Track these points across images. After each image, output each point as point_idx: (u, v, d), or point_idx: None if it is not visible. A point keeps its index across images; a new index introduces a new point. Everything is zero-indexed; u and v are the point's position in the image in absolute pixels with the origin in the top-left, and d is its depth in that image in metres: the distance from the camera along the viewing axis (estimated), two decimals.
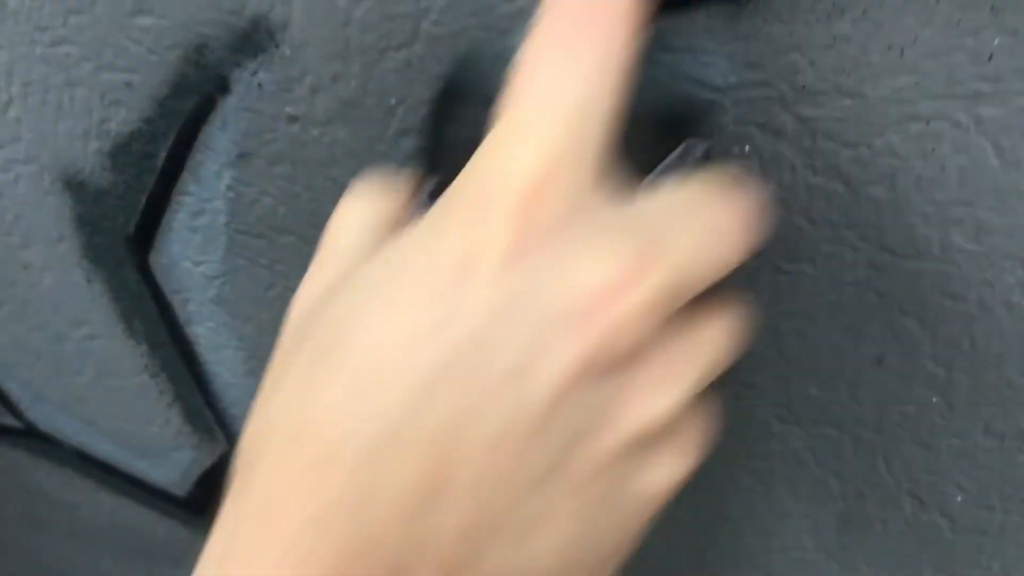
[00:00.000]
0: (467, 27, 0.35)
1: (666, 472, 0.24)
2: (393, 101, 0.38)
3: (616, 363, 0.22)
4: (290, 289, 0.44)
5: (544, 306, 0.21)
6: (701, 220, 0.24)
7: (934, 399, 0.38)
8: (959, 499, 0.41)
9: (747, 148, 0.35)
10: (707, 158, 0.28)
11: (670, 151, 0.29)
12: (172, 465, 0.61)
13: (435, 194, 0.25)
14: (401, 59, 0.37)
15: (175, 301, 0.50)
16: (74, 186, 0.47)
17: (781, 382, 0.40)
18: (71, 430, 0.62)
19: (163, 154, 0.44)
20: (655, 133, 0.30)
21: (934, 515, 0.42)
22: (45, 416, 0.62)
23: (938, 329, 0.36)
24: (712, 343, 0.25)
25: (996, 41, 0.29)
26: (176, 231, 0.47)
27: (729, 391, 0.39)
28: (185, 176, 0.44)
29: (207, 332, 0.51)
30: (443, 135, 0.29)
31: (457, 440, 0.21)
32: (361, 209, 0.29)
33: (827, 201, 0.34)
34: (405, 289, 0.22)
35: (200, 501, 0.62)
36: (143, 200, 0.46)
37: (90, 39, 0.41)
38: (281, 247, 0.45)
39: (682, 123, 0.33)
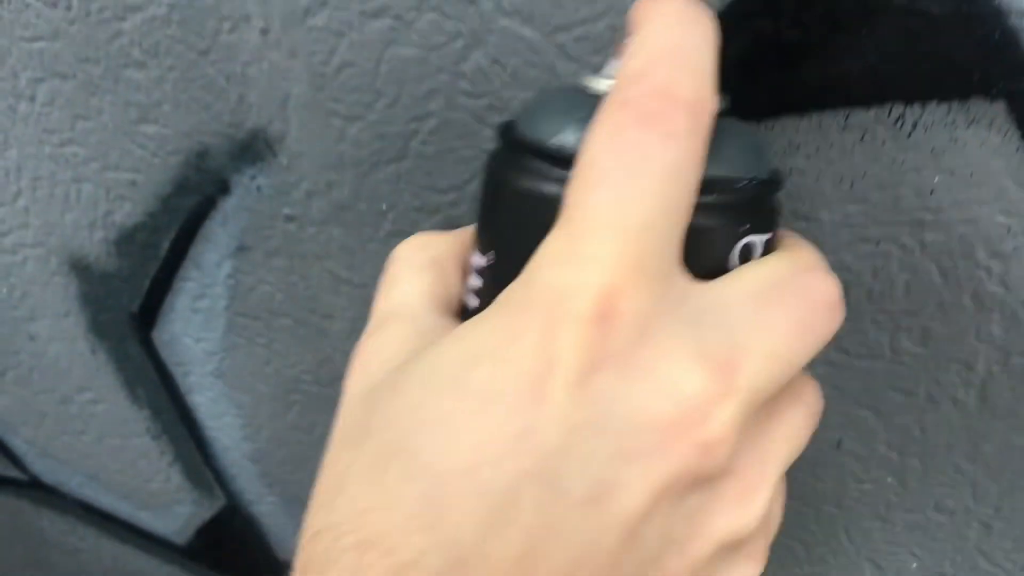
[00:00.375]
0: (454, 147, 0.38)
1: (745, 573, 0.23)
2: (384, 207, 0.41)
3: (706, 479, 0.20)
4: (287, 365, 0.47)
5: (625, 421, 0.19)
6: (786, 306, 0.22)
7: (889, 479, 0.41)
8: (914, 566, 0.44)
9: None
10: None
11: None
12: (173, 517, 0.63)
13: (491, 270, 0.25)
14: (391, 171, 0.40)
15: (176, 373, 0.53)
16: (80, 269, 0.49)
17: None
18: (75, 483, 0.65)
19: (166, 244, 0.46)
20: None
21: None
22: (49, 470, 0.64)
23: (891, 419, 0.39)
24: (794, 433, 0.24)
25: (936, 179, 0.32)
26: (178, 311, 0.49)
27: None
28: (187, 264, 0.47)
29: (207, 401, 0.54)
30: (495, 195, 0.27)
31: (535, 563, 0.19)
32: (416, 267, 0.27)
33: None
34: (477, 397, 0.20)
35: (199, 549, 0.65)
36: (147, 283, 0.49)
37: (96, 142, 0.43)
38: (278, 329, 0.48)
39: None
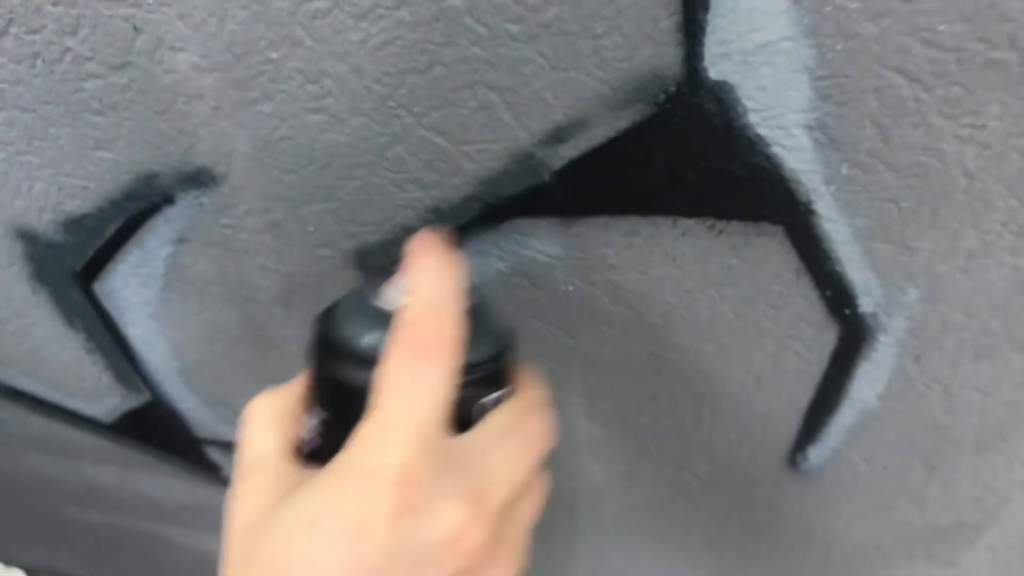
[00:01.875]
0: (374, 199, 0.48)
1: None
2: (311, 228, 0.51)
3: (475, 567, 0.33)
4: (216, 316, 0.57)
5: (421, 546, 0.31)
6: (513, 444, 0.36)
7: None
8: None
9: (570, 288, 0.51)
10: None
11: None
12: (101, 405, 0.75)
13: (326, 427, 0.38)
14: (319, 208, 0.50)
15: (113, 313, 0.62)
16: (26, 237, 0.57)
17: None
18: (8, 376, 0.74)
19: (110, 231, 0.55)
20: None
21: None
22: None
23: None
24: (530, 514, 0.38)
25: (734, 261, 0.46)
26: (119, 274, 0.58)
27: None
28: (130, 244, 0.56)
29: (140, 333, 0.64)
30: (321, 373, 0.39)
31: None
32: (267, 422, 0.39)
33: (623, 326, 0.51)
34: (325, 538, 0.31)
35: (124, 427, 0.77)
36: (89, 254, 0.57)
37: (51, 157, 0.51)
38: (210, 294, 0.58)
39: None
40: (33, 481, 0.90)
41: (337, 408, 0.38)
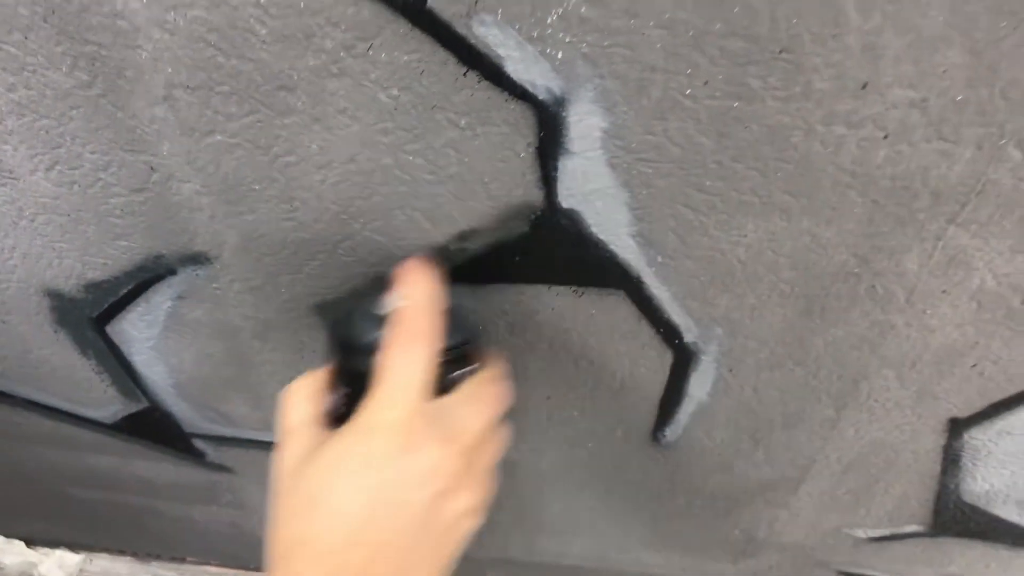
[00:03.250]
0: (332, 276, 0.66)
1: (473, 524, 0.51)
2: (283, 290, 0.69)
3: (453, 490, 0.47)
4: (206, 347, 0.74)
5: (416, 474, 0.45)
6: (478, 404, 0.51)
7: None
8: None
9: (482, 326, 0.69)
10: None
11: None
12: (104, 410, 0.92)
13: (345, 400, 0.51)
14: (289, 279, 0.67)
15: (121, 344, 0.79)
16: (53, 295, 0.73)
17: None
18: (23, 391, 0.90)
19: (123, 291, 0.72)
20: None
21: None
22: (6, 386, 0.90)
23: None
24: (494, 452, 0.52)
25: (594, 310, 0.65)
26: (128, 320, 0.75)
27: None
28: (138, 300, 0.73)
29: (142, 360, 0.81)
30: (341, 358, 0.54)
31: (381, 532, 0.45)
32: (302, 399, 0.52)
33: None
34: (348, 474, 0.45)
35: (123, 426, 0.94)
36: (104, 307, 0.74)
37: (78, 246, 0.67)
38: (202, 334, 0.75)
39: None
40: (38, 466, 1.06)
41: (353, 385, 0.51)
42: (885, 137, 0.45)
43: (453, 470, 0.47)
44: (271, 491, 0.51)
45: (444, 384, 0.51)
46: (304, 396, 0.53)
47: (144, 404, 0.87)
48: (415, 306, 0.50)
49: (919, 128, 0.45)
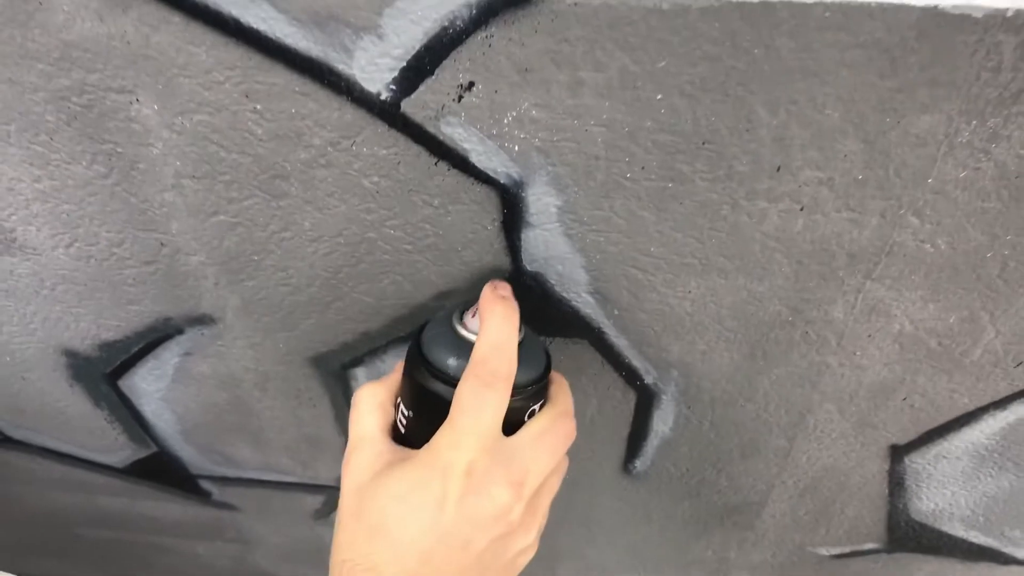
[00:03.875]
0: (323, 339, 0.73)
1: (527, 559, 0.52)
2: (281, 346, 0.76)
3: (512, 532, 0.48)
4: (210, 398, 0.81)
5: (480, 516, 0.46)
6: (547, 442, 0.50)
7: None
8: None
9: None
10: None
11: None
12: (115, 455, 0.98)
13: (416, 419, 0.51)
14: (286, 335, 0.74)
15: (131, 396, 0.86)
16: (69, 354, 0.80)
17: None
18: (39, 439, 0.97)
19: (134, 350, 0.79)
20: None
21: None
22: (20, 434, 0.96)
23: None
24: (553, 489, 0.53)
25: (566, 347, 0.72)
26: (139, 375, 0.82)
27: None
28: (148, 357, 0.80)
29: (152, 410, 0.88)
30: (412, 381, 0.52)
31: (449, 561, 0.46)
32: (369, 409, 0.52)
33: None
34: (413, 507, 0.46)
35: (132, 469, 1.01)
36: (116, 363, 0.81)
37: (94, 309, 0.74)
38: (207, 385, 0.82)
39: None
40: (51, 508, 1.13)
41: (422, 409, 0.51)
42: (801, 209, 0.53)
43: (518, 514, 0.48)
44: (277, 526, 0.58)
45: (517, 420, 0.51)
46: (374, 405, 0.53)
47: (153, 449, 0.94)
48: (495, 345, 0.48)
49: (829, 201, 0.52)
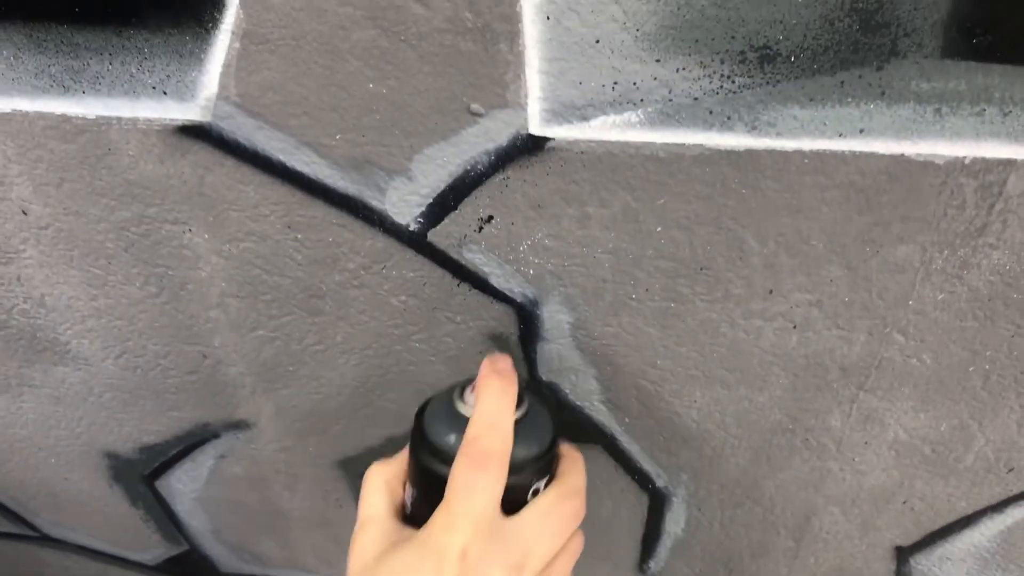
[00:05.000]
0: (350, 434, 0.77)
1: None
2: (311, 449, 0.80)
3: None
4: (241, 500, 0.85)
5: None
6: (553, 524, 0.47)
7: None
8: None
9: None
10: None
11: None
12: (148, 554, 1.02)
13: (418, 498, 0.49)
14: (314, 440, 0.79)
15: (168, 498, 0.90)
16: (111, 456, 0.85)
17: None
18: (74, 536, 1.01)
19: (173, 452, 0.83)
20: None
21: None
22: (59, 533, 1.00)
23: None
24: (565, 568, 0.49)
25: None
26: (175, 476, 0.87)
27: None
28: (185, 460, 0.84)
29: (186, 509, 0.92)
30: (414, 457, 0.50)
31: None
32: (377, 488, 0.51)
33: None
34: None
35: (165, 567, 1.04)
36: (155, 465, 0.85)
37: (137, 415, 0.79)
38: (240, 487, 0.87)
39: None
40: None
41: (423, 489, 0.49)
42: (794, 327, 0.57)
43: None
44: None
45: (520, 497, 0.48)
46: (381, 484, 0.52)
47: (185, 547, 0.97)
48: (487, 423, 0.46)
49: (819, 320, 0.57)
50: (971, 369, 0.58)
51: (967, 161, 0.46)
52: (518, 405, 0.49)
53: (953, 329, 0.55)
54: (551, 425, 0.52)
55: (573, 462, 0.53)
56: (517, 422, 0.48)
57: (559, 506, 0.49)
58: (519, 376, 0.50)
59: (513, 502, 0.47)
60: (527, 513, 0.48)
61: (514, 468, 0.46)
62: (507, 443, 0.46)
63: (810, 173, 0.47)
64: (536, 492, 0.49)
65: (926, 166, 0.46)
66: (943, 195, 0.47)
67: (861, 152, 0.46)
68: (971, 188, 0.47)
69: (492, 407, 0.47)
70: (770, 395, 0.63)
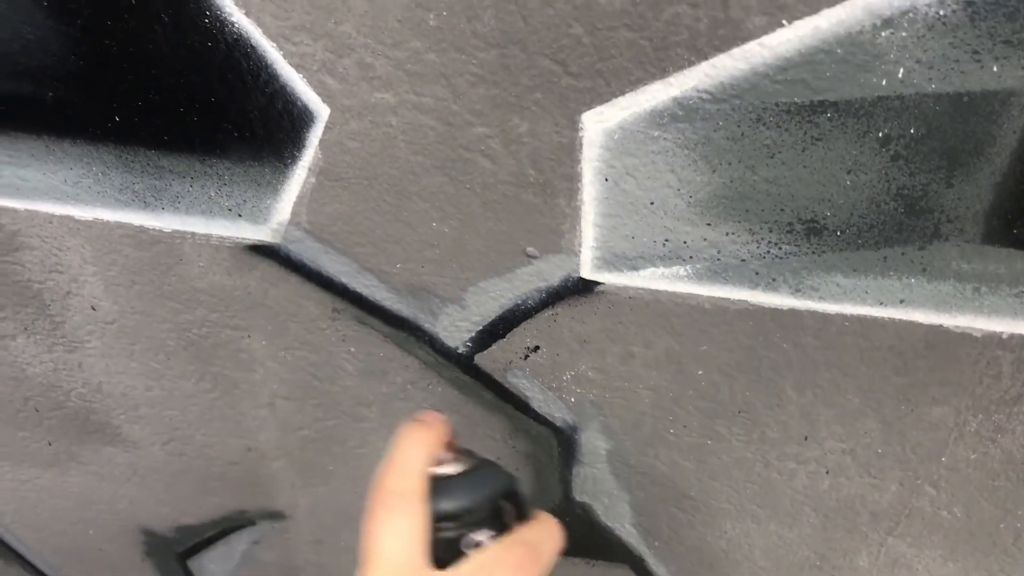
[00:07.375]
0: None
1: None
2: (342, 543, 0.82)
3: None
4: None
5: None
6: (492, 573, 0.40)
7: None
8: None
9: None
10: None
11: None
12: None
13: None
14: (348, 534, 0.80)
15: None
16: (148, 533, 0.87)
17: None
18: None
19: (208, 534, 0.85)
20: None
21: None
22: None
23: None
24: None
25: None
26: (208, 557, 0.88)
27: None
28: (219, 543, 0.86)
29: None
30: None
31: None
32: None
33: None
34: None
35: None
36: (189, 545, 0.87)
37: (176, 499, 0.81)
38: (269, 572, 0.88)
39: None
40: None
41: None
42: (827, 472, 0.59)
43: None
44: None
45: (451, 548, 0.43)
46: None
47: None
48: (395, 464, 0.44)
49: (852, 468, 0.58)
50: (1002, 526, 0.58)
51: (1004, 336, 0.47)
52: (462, 462, 0.46)
53: (985, 487, 0.56)
54: (502, 484, 0.47)
55: (540, 521, 0.47)
56: (453, 476, 0.45)
57: (503, 555, 0.43)
58: (463, 447, 0.49)
59: (448, 554, 0.43)
60: (463, 565, 0.42)
61: (445, 516, 0.43)
62: (416, 483, 0.43)
63: (850, 335, 0.49)
64: (478, 546, 0.44)
65: (964, 337, 0.48)
66: (979, 365, 0.49)
67: (901, 320, 0.48)
68: (1008, 361, 0.48)
69: (403, 452, 0.45)
70: (799, 532, 0.64)
